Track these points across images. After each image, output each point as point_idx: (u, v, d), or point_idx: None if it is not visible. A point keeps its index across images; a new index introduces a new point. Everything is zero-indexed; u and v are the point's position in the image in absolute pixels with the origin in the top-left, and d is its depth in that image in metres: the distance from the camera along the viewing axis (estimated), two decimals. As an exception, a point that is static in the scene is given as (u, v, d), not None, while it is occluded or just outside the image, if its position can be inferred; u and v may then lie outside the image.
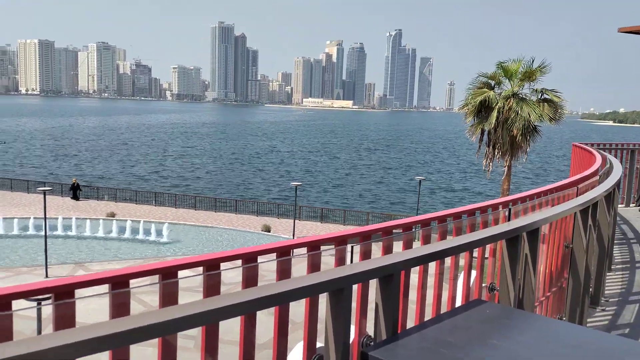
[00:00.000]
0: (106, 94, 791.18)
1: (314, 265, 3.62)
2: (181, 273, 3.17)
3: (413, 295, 4.25)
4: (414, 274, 4.06)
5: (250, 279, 3.39)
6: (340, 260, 3.61)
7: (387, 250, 4.06)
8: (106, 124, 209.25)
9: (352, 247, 3.63)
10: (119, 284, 2.88)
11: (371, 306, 3.30)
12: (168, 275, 3.09)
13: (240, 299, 2.35)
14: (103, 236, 34.79)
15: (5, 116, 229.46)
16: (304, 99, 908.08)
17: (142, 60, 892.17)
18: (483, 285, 4.93)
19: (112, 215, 40.92)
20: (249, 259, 3.46)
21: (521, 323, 3.21)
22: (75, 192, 49.29)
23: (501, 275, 4.36)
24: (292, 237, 33.92)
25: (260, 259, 3.49)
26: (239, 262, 3.40)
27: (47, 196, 30.14)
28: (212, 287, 3.23)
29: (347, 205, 61.43)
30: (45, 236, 26.05)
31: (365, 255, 3.79)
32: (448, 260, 4.52)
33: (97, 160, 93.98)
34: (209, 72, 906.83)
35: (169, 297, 3.06)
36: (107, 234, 35.13)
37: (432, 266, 4.14)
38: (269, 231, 38.76)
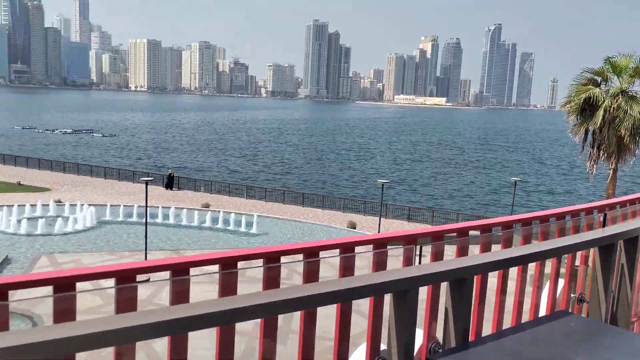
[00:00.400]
0: (206, 91, 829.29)
1: (379, 264, 3.52)
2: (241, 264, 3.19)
3: (491, 301, 4.04)
4: (493, 278, 3.84)
5: (311, 274, 3.34)
6: (407, 261, 3.47)
7: (462, 252, 3.87)
8: (205, 119, 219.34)
9: (420, 247, 3.49)
10: (180, 272, 2.95)
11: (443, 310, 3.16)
12: (228, 266, 3.12)
13: (300, 293, 2.31)
14: (197, 225, 36.48)
15: (116, 111, 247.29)
16: (396, 96, 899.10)
17: (240, 58, 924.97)
18: (572, 295, 4.59)
19: (207, 205, 42.81)
20: (311, 254, 3.41)
21: (613, 340, 2.92)
22: (170, 182, 52.29)
23: (592, 286, 4.02)
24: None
25: (322, 254, 3.44)
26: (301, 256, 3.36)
27: (149, 186, 32.15)
28: (271, 279, 3.21)
29: (436, 205, 60.15)
30: (146, 223, 27.75)
31: (437, 256, 3.64)
32: (533, 267, 4.25)
33: (195, 154, 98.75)
34: (302, 69, 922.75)
35: (228, 287, 3.08)
36: (201, 223, 36.80)
37: (514, 272, 3.91)
38: (354, 228, 38.79)
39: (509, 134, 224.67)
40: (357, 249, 3.51)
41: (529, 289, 4.33)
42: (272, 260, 3.33)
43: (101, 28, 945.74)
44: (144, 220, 30.57)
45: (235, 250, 3.31)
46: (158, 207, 38.90)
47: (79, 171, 58.98)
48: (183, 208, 39.79)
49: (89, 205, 38.20)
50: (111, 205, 39.41)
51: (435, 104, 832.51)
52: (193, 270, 2.99)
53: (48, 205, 38.48)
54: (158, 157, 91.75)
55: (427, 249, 3.61)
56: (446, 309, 2.92)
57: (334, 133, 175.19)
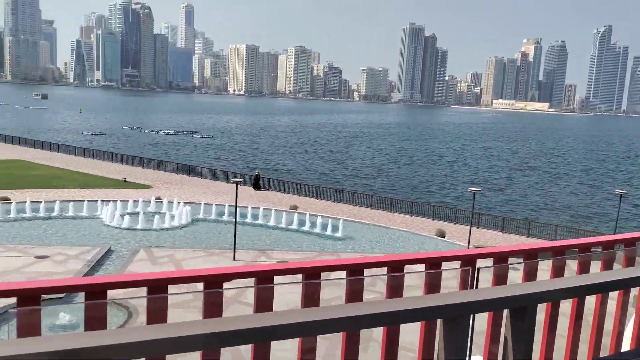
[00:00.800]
0: (300, 95, 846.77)
1: (499, 278, 3.34)
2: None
3: (564, 329, 3.72)
4: (567, 303, 3.53)
5: (394, 290, 3.22)
6: (528, 275, 3.29)
7: (529, 276, 3.61)
8: (298, 122, 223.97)
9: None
10: (264, 280, 3.02)
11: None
12: (312, 276, 3.13)
13: (384, 308, 2.22)
14: (285, 227, 37.24)
15: (215, 113, 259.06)
16: (494, 101, 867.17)
17: (334, 62, 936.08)
18: None
19: (295, 207, 43.61)
20: (395, 268, 3.32)
21: None
22: (257, 182, 53.87)
23: None
24: (467, 245, 32.65)
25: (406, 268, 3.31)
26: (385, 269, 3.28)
27: (240, 186, 33.30)
28: (354, 293, 3.15)
29: (533, 216, 57.20)
30: (235, 223, 28.76)
31: (499, 280, 3.41)
32: (615, 295, 3.88)
33: (286, 156, 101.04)
34: (396, 73, 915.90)
35: (310, 296, 3.08)
36: (289, 225, 37.52)
37: (593, 299, 3.58)
38: (444, 236, 37.80)
39: (618, 142, 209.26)
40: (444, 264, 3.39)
41: (609, 319, 3.96)
42: (355, 272, 3.28)
43: (204, 34, 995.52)
44: (234, 219, 31.70)
45: (322, 260, 3.33)
46: (248, 207, 40.18)
47: (178, 170, 62.34)
48: (271, 209, 40.81)
49: (185, 203, 40.24)
50: (205, 203, 41.25)
51: (537, 109, 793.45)
52: (277, 279, 3.06)
53: (149, 201, 41.01)
54: (251, 158, 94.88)
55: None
56: (505, 339, 2.72)
57: (427, 138, 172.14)
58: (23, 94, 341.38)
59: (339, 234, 35.64)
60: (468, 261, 3.46)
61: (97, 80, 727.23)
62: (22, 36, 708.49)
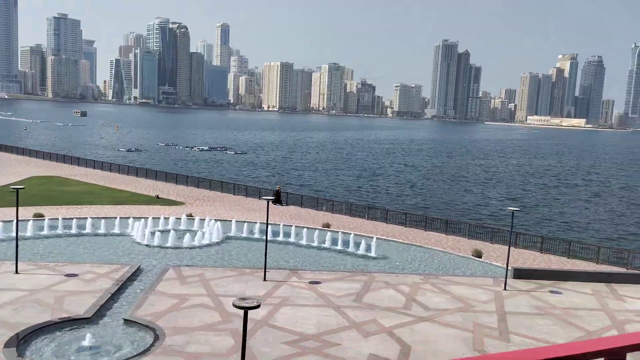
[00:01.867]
0: (334, 111, 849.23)
1: None
2: None
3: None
4: None
5: None
6: None
7: None
8: (331, 138, 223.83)
9: None
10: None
11: None
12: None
13: None
14: (317, 245, 36.43)
15: (248, 130, 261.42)
16: (529, 117, 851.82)
17: (367, 79, 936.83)
18: None
19: (327, 225, 42.79)
20: None
21: None
22: (277, 197, 53.71)
23: None
24: (505, 266, 31.19)
25: None
26: None
27: (272, 204, 32.77)
28: None
29: (571, 235, 54.93)
30: (267, 241, 28.11)
31: None
32: None
33: (319, 172, 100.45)
34: (429, 89, 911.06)
35: None
36: (321, 243, 36.71)
37: None
38: (480, 257, 36.35)
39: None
40: None
41: None
42: None
43: (239, 52, 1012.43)
44: (265, 237, 31.01)
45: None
46: (279, 224, 39.56)
47: (211, 187, 62.37)
48: (304, 227, 40.09)
49: (216, 220, 39.88)
50: (236, 221, 40.84)
51: (572, 125, 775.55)
52: None
53: (180, 218, 40.83)
54: (284, 174, 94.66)
55: None
56: None
57: (461, 154, 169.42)
58: (63, 112, 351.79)
59: (372, 254, 34.62)
60: None
61: (135, 98, 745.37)
62: (63, 56, 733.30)
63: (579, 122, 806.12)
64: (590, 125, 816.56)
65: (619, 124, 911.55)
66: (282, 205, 53.54)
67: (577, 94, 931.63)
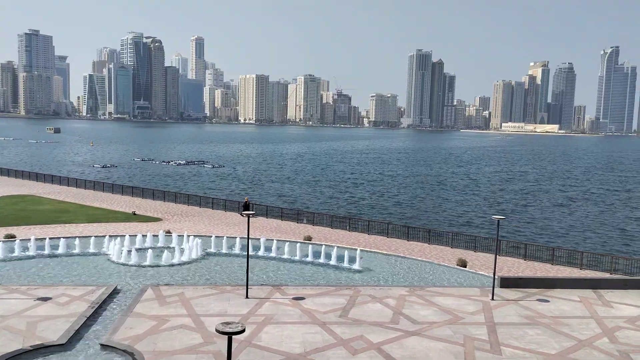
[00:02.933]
0: (310, 122, 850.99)
1: None
2: None
3: None
4: None
5: None
6: None
7: None
8: (309, 149, 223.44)
9: None
10: None
11: None
12: None
13: None
14: (299, 259, 35.65)
15: (225, 142, 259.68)
16: (503, 124, 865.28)
17: (343, 90, 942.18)
18: None
19: (309, 238, 42.06)
20: None
21: None
22: (246, 209, 53.28)
23: None
24: (492, 274, 30.83)
25: None
26: None
27: (252, 218, 31.92)
28: None
29: (552, 240, 55.12)
30: (248, 258, 27.25)
31: None
32: None
33: (299, 184, 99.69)
34: (404, 99, 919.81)
35: None
36: (303, 257, 35.94)
37: None
38: (465, 266, 35.97)
39: (633, 162, 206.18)
40: None
41: None
42: None
43: (214, 65, 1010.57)
44: (246, 252, 30.17)
45: None
46: (260, 239, 38.71)
47: (189, 201, 61.20)
48: (285, 241, 39.30)
49: (195, 236, 38.85)
50: (216, 236, 39.86)
51: (546, 131, 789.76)
52: None
53: (157, 235, 39.68)
54: (263, 187, 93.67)
55: None
56: None
57: (439, 163, 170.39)
58: (36, 129, 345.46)
59: (356, 266, 33.96)
60: None
61: (110, 113, 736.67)
62: (35, 72, 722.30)
63: (553, 128, 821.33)
64: (564, 131, 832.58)
65: (591, 128, 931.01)
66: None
67: (549, 100, 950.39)
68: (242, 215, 52.82)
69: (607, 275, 35.35)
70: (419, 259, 37.54)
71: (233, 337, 12.80)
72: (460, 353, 21.02)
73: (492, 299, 27.93)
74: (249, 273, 27.76)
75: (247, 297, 26.56)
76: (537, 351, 21.51)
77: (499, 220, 28.38)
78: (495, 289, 28.65)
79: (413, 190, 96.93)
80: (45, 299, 25.45)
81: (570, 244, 53.44)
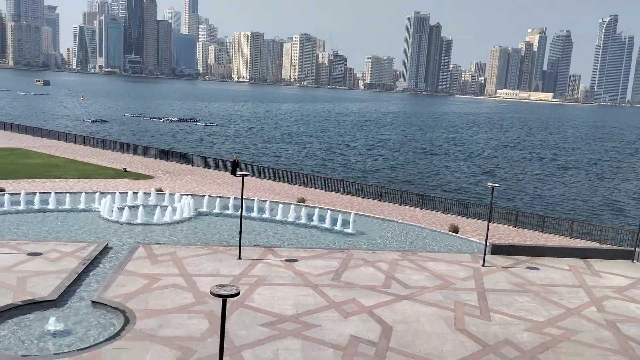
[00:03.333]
0: (305, 83, 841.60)
1: None
2: None
3: None
4: None
5: None
6: None
7: None
8: (302, 110, 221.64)
9: None
10: None
11: None
12: None
13: None
14: (292, 221, 35.57)
15: (218, 101, 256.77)
16: (498, 91, 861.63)
17: (339, 51, 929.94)
18: None
19: (302, 200, 41.93)
20: None
21: None
22: (234, 168, 53.82)
23: None
24: (484, 241, 30.97)
25: None
26: None
27: (248, 178, 31.41)
28: None
29: (544, 209, 55.47)
30: (241, 218, 27.07)
31: None
32: None
33: (292, 145, 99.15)
34: (400, 62, 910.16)
35: None
36: (297, 219, 35.86)
37: None
38: (457, 232, 36.11)
39: (625, 133, 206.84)
40: None
41: None
42: None
43: (208, 21, 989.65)
44: (239, 213, 30.00)
45: None
46: (254, 199, 38.50)
47: (181, 160, 60.66)
48: (279, 203, 39.14)
49: (187, 195, 38.57)
50: (209, 195, 39.59)
51: (540, 99, 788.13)
52: None
53: (149, 193, 39.35)
54: (256, 146, 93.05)
55: None
56: None
57: (433, 128, 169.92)
58: (25, 80, 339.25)
59: (349, 230, 33.96)
60: None
61: (100, 67, 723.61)
62: (24, 22, 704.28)
63: (547, 96, 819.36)
64: (557, 99, 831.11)
65: (585, 98, 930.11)
66: (237, 175, 53.33)
67: (545, 68, 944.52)
68: (235, 175, 52.62)
69: (596, 245, 35.63)
70: (412, 223, 37.61)
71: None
72: (450, 318, 21.19)
73: (483, 265, 28.10)
74: (242, 234, 27.65)
75: (239, 257, 26.51)
76: (526, 318, 21.73)
77: (493, 188, 28.28)
78: (486, 255, 28.80)
79: (407, 154, 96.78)
80: (35, 254, 25.25)
81: (560, 213, 53.84)
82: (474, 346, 18.92)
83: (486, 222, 36.79)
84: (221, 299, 11.34)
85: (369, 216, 38.79)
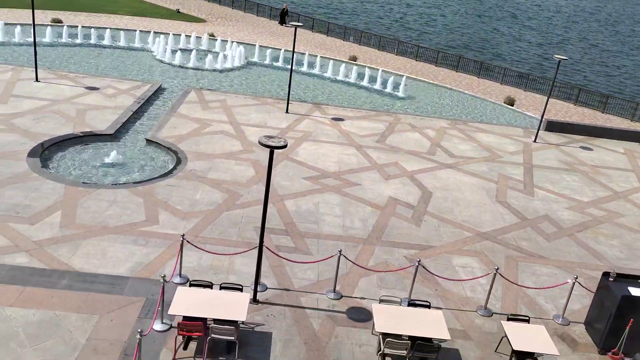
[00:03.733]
0: None
1: None
2: None
3: None
4: None
5: None
6: None
7: None
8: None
9: None
10: None
11: None
12: None
13: None
14: (342, 79, 34.97)
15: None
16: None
17: None
18: None
19: (354, 58, 40.79)
20: None
21: None
22: (283, 17, 52.22)
23: None
24: (539, 116, 29.96)
25: None
26: None
27: (299, 30, 30.50)
28: None
29: (611, 90, 52.43)
30: (291, 72, 26.72)
31: None
32: None
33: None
34: None
35: None
36: (346, 77, 35.19)
37: None
38: (512, 105, 34.90)
39: None
40: None
41: None
42: None
43: None
44: (289, 66, 29.57)
45: None
46: (305, 53, 37.65)
47: (234, 4, 58.84)
48: (330, 59, 38.20)
49: (239, 43, 37.98)
50: (260, 45, 38.88)
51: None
52: None
53: (201, 37, 38.92)
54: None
55: None
56: None
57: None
58: None
59: (399, 93, 33.25)
60: None
61: None
62: None
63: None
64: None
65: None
66: (285, 25, 51.67)
67: None
68: (282, 25, 51.36)
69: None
70: (466, 92, 36.45)
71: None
72: (492, 189, 21.29)
73: (535, 141, 27.47)
74: (291, 88, 27.49)
75: (287, 111, 26.65)
76: (570, 197, 21.62)
77: (559, 61, 26.60)
78: (539, 131, 28.02)
79: (469, 17, 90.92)
80: (92, 89, 26.00)
81: (626, 95, 50.90)
82: (513, 218, 19.18)
83: (544, 97, 35.36)
84: (269, 149, 11.56)
85: (422, 80, 37.68)
